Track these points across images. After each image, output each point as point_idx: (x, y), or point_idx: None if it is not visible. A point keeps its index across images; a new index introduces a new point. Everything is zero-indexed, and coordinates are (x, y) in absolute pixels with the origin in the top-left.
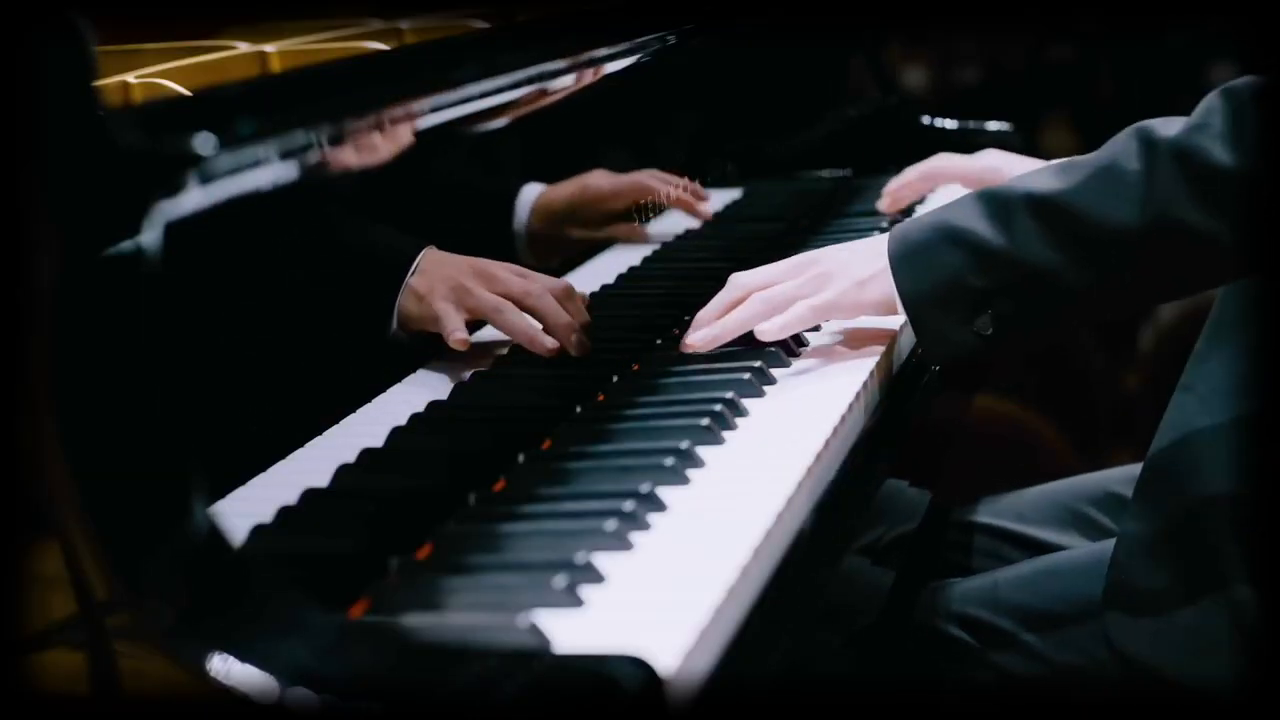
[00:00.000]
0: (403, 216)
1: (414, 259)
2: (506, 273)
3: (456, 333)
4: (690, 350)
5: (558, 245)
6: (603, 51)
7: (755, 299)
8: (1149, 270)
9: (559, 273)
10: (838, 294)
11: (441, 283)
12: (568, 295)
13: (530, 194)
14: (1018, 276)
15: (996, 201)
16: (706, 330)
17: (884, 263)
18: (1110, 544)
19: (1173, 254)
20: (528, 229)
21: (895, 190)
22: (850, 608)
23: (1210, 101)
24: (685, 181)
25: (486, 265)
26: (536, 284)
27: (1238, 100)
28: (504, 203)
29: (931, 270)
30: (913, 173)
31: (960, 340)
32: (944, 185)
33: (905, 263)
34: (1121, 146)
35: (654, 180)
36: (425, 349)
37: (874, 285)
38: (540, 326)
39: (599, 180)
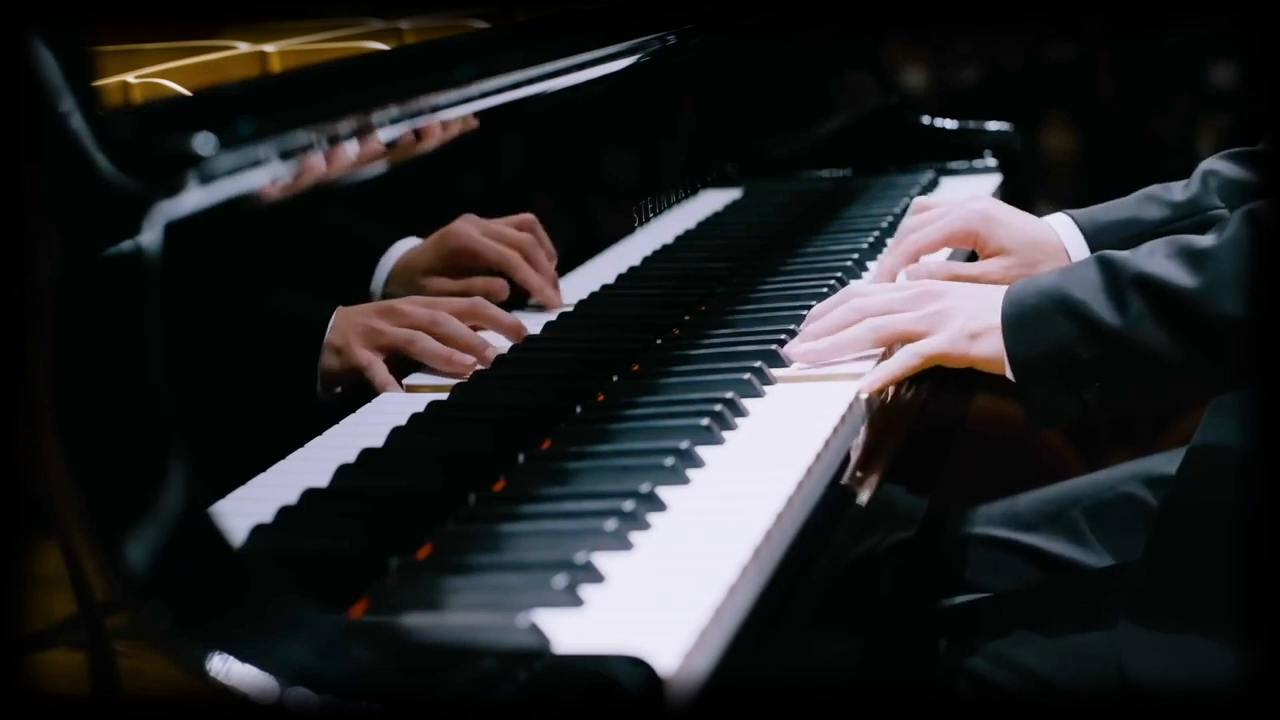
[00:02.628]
0: (400, 217)
1: (329, 320)
2: (412, 306)
3: (388, 386)
4: (796, 361)
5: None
6: (602, 51)
7: (867, 324)
8: (1252, 358)
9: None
10: (947, 343)
11: (352, 330)
12: (473, 313)
13: (395, 253)
14: (1126, 354)
15: (1113, 272)
16: (813, 345)
17: (997, 320)
18: (1111, 564)
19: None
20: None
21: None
22: (848, 614)
23: None
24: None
25: (391, 303)
26: (442, 312)
27: None
28: (511, 203)
29: (1042, 338)
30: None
31: (1063, 408)
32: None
33: (1017, 326)
34: (1234, 235)
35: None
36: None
37: (984, 341)
38: (453, 349)
39: (460, 230)
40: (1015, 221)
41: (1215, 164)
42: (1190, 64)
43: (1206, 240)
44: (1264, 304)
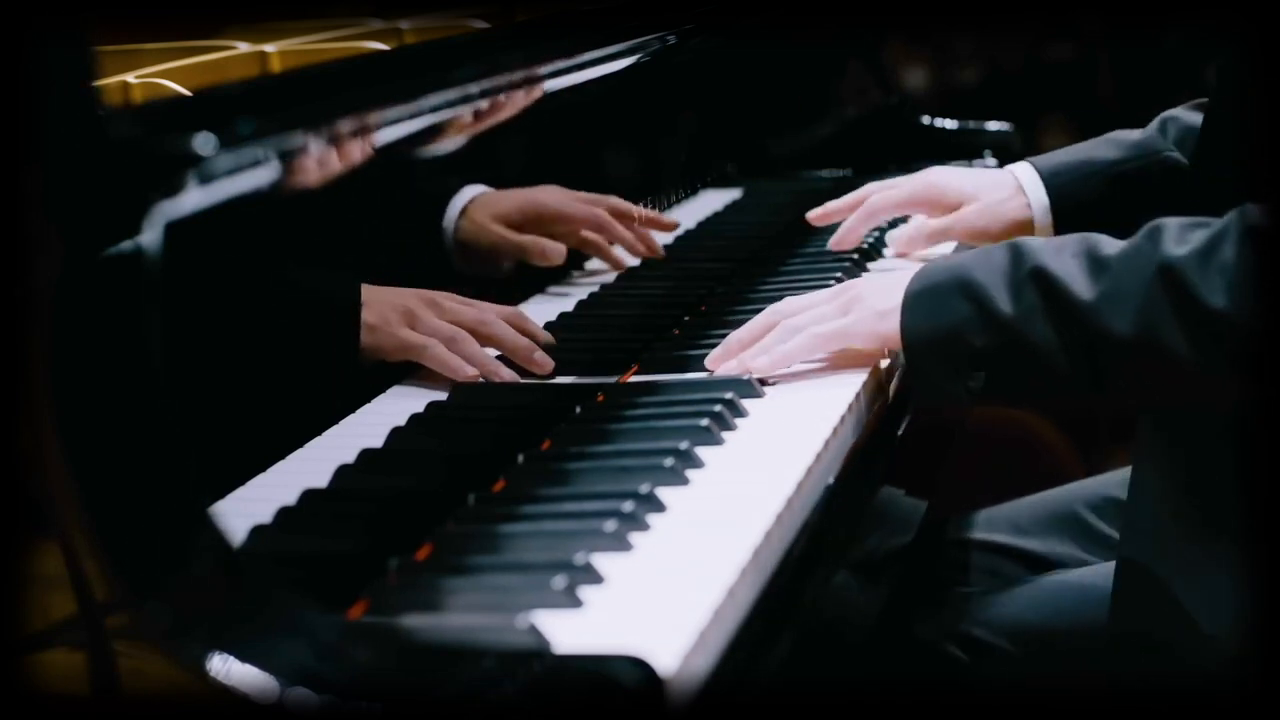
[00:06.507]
0: (399, 218)
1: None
2: (454, 302)
3: (450, 364)
4: (715, 371)
5: (487, 256)
6: (602, 51)
7: (781, 327)
8: (1133, 378)
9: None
10: (853, 321)
11: (390, 311)
12: (519, 320)
13: (467, 195)
14: (1014, 347)
15: (1017, 261)
16: (734, 363)
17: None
18: (1110, 566)
19: (1155, 371)
20: (456, 230)
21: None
22: (844, 623)
23: (1229, 222)
24: (642, 212)
25: (434, 295)
26: (489, 312)
27: (1249, 238)
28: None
29: (937, 316)
30: (850, 209)
31: (950, 391)
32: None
33: (916, 302)
34: (1133, 250)
35: (606, 214)
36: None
37: (892, 318)
38: (494, 357)
39: (551, 197)
40: (965, 174)
41: (1175, 111)
42: (1190, 64)
43: (1113, 247)
44: (1144, 328)
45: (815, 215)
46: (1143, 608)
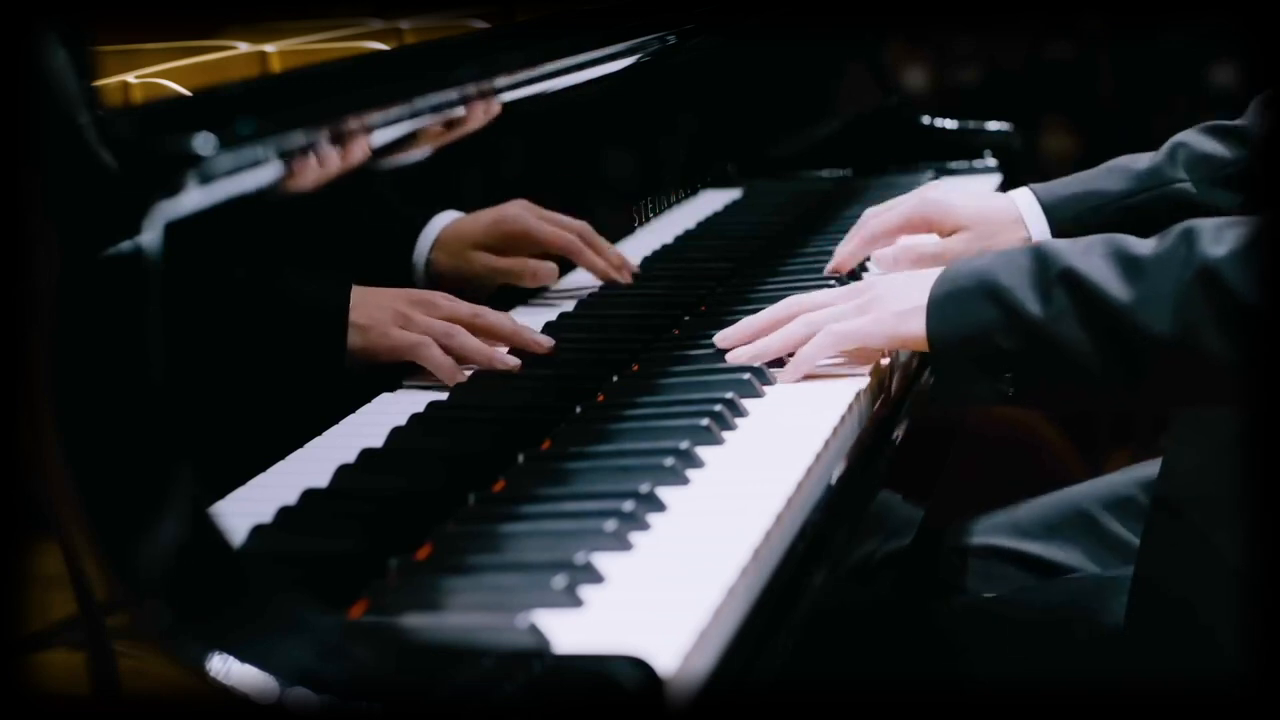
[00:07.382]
0: (399, 219)
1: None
2: (445, 300)
3: (444, 365)
4: (728, 355)
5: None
6: (602, 51)
7: (799, 321)
8: (1169, 379)
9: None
10: (871, 321)
11: (380, 312)
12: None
13: (436, 226)
14: (1044, 348)
15: (1044, 263)
16: (748, 348)
17: (926, 299)
18: (1122, 572)
19: (1192, 372)
20: (429, 264)
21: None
22: (842, 627)
23: (1266, 223)
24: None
25: (427, 295)
26: (480, 306)
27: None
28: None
29: (963, 319)
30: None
31: (976, 393)
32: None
33: (941, 305)
34: (1168, 251)
35: (577, 239)
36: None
37: (912, 320)
38: (494, 351)
39: (519, 215)
40: (968, 200)
41: (1187, 136)
42: (1190, 64)
43: (1144, 247)
44: (1181, 330)
45: (830, 269)
46: (1167, 575)
